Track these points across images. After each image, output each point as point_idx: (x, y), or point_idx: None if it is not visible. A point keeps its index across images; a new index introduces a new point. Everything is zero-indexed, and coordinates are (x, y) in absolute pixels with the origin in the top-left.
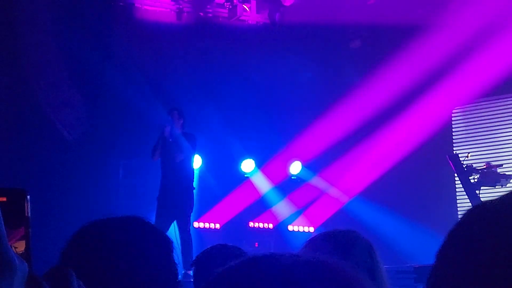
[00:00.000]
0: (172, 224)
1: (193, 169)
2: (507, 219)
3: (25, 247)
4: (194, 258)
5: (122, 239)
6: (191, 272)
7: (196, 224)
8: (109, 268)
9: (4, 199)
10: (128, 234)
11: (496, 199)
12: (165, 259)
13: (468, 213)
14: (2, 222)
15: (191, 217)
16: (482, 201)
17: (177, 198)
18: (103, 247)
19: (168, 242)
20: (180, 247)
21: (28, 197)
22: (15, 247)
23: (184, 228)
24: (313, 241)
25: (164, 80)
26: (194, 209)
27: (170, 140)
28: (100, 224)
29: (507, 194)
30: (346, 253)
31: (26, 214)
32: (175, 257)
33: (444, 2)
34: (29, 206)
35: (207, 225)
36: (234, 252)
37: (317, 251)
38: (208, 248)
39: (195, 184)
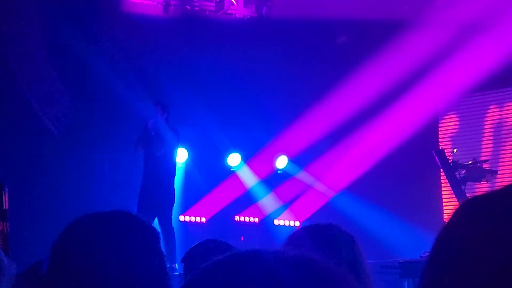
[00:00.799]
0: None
1: (175, 163)
2: (500, 215)
3: (2, 241)
4: (176, 252)
5: (109, 234)
6: (176, 266)
7: (182, 218)
8: (98, 263)
9: None
10: (114, 228)
11: (486, 194)
12: (152, 250)
13: (460, 209)
14: None
15: (173, 211)
16: (473, 197)
17: (157, 192)
18: (91, 243)
19: (153, 233)
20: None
21: (6, 189)
22: None
23: (165, 222)
24: (295, 236)
25: (151, 73)
26: (179, 203)
27: (152, 133)
28: (86, 220)
29: (498, 190)
30: (328, 247)
31: (3, 207)
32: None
33: None
34: (7, 199)
35: (193, 218)
36: (224, 247)
37: (299, 246)
38: (198, 243)
39: (179, 177)
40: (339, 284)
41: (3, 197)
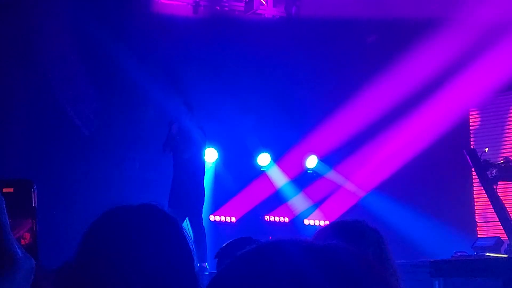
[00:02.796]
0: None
1: (203, 162)
2: None
3: (32, 238)
4: (207, 251)
5: (136, 226)
6: (206, 265)
7: (212, 218)
8: (125, 255)
9: (11, 189)
10: (141, 220)
11: None
12: (180, 244)
13: None
14: (6, 215)
15: (203, 211)
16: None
17: (187, 192)
18: (118, 235)
19: (180, 227)
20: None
21: (35, 187)
22: (23, 238)
23: (196, 222)
24: (322, 232)
25: (181, 73)
26: (209, 202)
27: (177, 138)
28: (115, 212)
29: None
30: (355, 243)
31: (32, 205)
32: (190, 244)
33: None
34: (36, 196)
35: (223, 218)
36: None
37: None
38: (232, 240)
39: (209, 177)
40: (364, 271)
41: (32, 194)
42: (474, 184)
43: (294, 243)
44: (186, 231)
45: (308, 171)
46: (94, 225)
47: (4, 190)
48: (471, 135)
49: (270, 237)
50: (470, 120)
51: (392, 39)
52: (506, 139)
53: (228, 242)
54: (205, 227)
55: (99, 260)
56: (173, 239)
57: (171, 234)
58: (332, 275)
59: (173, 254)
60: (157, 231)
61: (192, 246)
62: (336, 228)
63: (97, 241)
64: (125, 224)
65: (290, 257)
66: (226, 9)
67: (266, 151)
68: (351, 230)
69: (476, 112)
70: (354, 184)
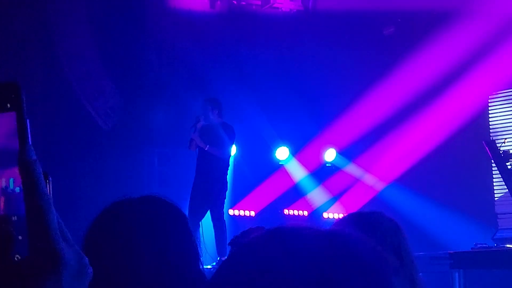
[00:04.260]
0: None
1: (228, 157)
2: None
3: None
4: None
5: (139, 217)
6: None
7: (231, 212)
8: (127, 250)
9: None
10: (146, 212)
11: None
12: (182, 232)
13: None
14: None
15: (225, 205)
16: None
17: (210, 186)
18: (121, 229)
19: (183, 215)
20: (214, 235)
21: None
22: None
23: (218, 216)
24: (339, 224)
25: (199, 67)
26: (229, 197)
27: (206, 149)
28: (117, 205)
29: None
30: (372, 233)
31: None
32: (194, 231)
33: None
34: (51, 188)
35: (242, 212)
36: None
37: None
38: (245, 230)
39: (230, 171)
40: (370, 259)
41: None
42: (494, 176)
43: (302, 229)
44: (187, 218)
45: (327, 164)
46: (97, 219)
47: None
48: (490, 126)
49: None
50: (489, 111)
51: (409, 31)
52: None
53: (244, 230)
54: (225, 222)
55: (101, 253)
56: (177, 231)
57: (175, 226)
58: (338, 259)
59: (177, 247)
60: (160, 223)
61: (197, 240)
62: (353, 219)
63: (100, 235)
64: (127, 217)
65: (299, 241)
66: (243, 3)
67: (284, 145)
68: (368, 220)
69: (495, 103)
70: (373, 177)
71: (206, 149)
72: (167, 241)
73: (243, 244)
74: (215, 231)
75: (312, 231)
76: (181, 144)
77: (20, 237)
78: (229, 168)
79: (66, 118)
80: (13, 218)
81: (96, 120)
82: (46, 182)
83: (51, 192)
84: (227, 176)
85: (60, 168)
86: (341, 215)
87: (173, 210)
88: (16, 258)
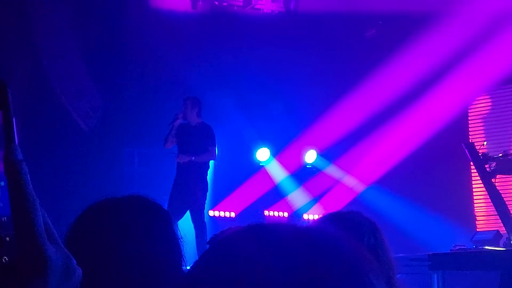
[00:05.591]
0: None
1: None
2: None
3: None
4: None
5: (124, 217)
6: None
7: (211, 213)
8: (112, 246)
9: None
10: (130, 211)
11: None
12: (166, 232)
13: None
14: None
15: (205, 207)
16: None
17: (191, 187)
18: (105, 226)
19: (166, 215)
20: (194, 236)
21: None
22: None
23: (198, 218)
24: (317, 222)
25: (179, 68)
26: (209, 198)
27: (192, 159)
28: (101, 205)
29: None
30: (349, 232)
31: None
32: (177, 231)
33: None
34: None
35: (222, 213)
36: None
37: None
38: (224, 229)
39: (210, 172)
40: (348, 255)
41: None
42: (473, 178)
43: (280, 225)
44: (171, 218)
45: (307, 166)
46: (79, 218)
47: None
48: (470, 129)
49: None
50: (469, 114)
51: (390, 33)
52: (505, 132)
53: (224, 229)
54: (206, 223)
55: (83, 253)
56: (162, 231)
57: (160, 226)
58: (316, 255)
59: (161, 247)
60: (144, 222)
61: (182, 241)
62: (331, 218)
63: (82, 234)
64: (111, 216)
65: (276, 237)
66: (225, 4)
67: (265, 146)
68: (346, 220)
69: (475, 106)
70: (353, 179)
71: (192, 159)
72: (151, 241)
73: (219, 239)
74: (195, 232)
75: (290, 227)
76: (161, 145)
77: (7, 239)
78: (209, 169)
79: (46, 118)
80: (2, 219)
81: (76, 121)
82: None
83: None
84: (208, 177)
85: (40, 168)
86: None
87: (158, 210)
88: (4, 260)
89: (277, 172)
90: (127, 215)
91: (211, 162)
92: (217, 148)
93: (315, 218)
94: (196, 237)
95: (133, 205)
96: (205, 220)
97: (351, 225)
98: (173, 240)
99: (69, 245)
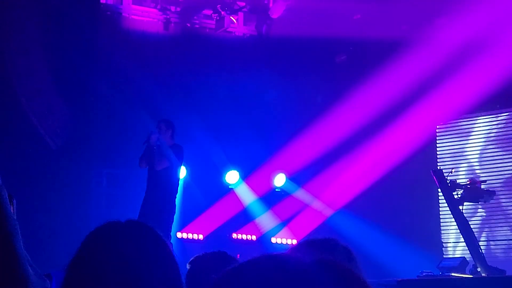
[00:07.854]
0: None
1: (177, 180)
2: None
3: None
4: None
5: (127, 242)
6: None
7: (179, 235)
8: (117, 271)
9: None
10: (133, 237)
11: None
12: (167, 259)
13: None
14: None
15: (173, 228)
16: None
17: (158, 208)
18: (109, 253)
19: (166, 242)
20: None
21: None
22: None
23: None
24: (294, 249)
25: (150, 89)
26: (177, 219)
27: (154, 148)
28: (104, 230)
29: None
30: None
31: None
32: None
33: (428, 18)
34: (15, 210)
35: (190, 235)
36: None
37: None
38: (193, 258)
39: (179, 194)
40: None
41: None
42: (440, 204)
43: (286, 261)
44: (170, 246)
45: (276, 189)
46: (85, 242)
47: None
48: (438, 156)
49: (238, 255)
50: (437, 141)
51: (361, 59)
52: (473, 160)
53: (200, 254)
54: (173, 244)
55: (89, 277)
56: (163, 258)
57: (162, 253)
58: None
59: (163, 274)
60: (145, 248)
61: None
62: (306, 246)
63: (89, 257)
64: (115, 242)
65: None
66: (197, 26)
67: (234, 169)
68: (322, 247)
69: (443, 133)
70: (322, 203)
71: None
72: (153, 266)
73: (230, 269)
74: None
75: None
76: (129, 165)
77: None
78: (178, 191)
79: (14, 136)
80: None
81: (45, 139)
82: (11, 204)
83: (15, 213)
84: (176, 199)
85: (7, 187)
86: (289, 240)
87: (158, 237)
88: None
89: (246, 195)
90: (131, 240)
91: (180, 184)
92: (187, 170)
93: (291, 244)
94: None
95: (136, 230)
96: (173, 241)
97: (326, 252)
98: (173, 265)
99: (76, 268)
